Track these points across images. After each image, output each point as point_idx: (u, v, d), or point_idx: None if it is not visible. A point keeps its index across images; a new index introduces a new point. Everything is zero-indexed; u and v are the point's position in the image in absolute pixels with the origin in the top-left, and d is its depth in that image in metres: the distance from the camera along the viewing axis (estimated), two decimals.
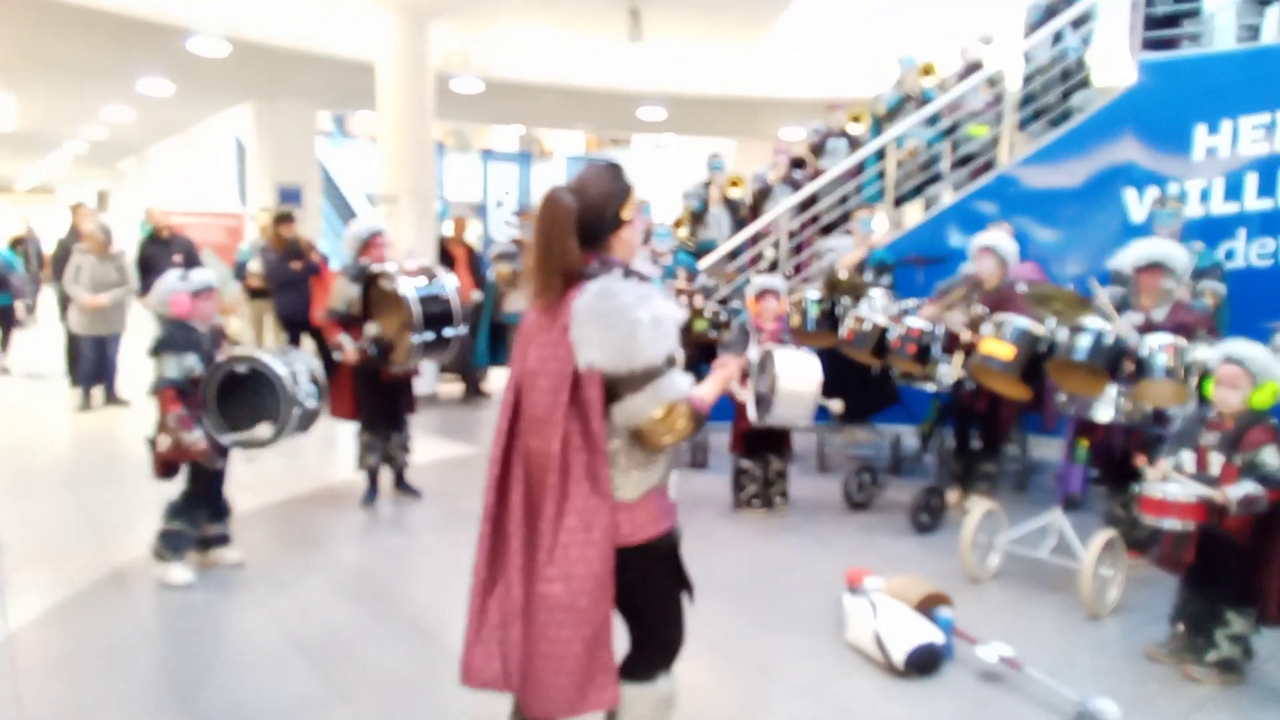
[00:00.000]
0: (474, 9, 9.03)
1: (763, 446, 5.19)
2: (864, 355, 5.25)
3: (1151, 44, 6.50)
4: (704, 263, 7.66)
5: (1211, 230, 5.83)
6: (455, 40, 9.58)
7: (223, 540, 4.24)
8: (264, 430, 3.84)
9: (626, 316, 1.92)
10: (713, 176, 8.69)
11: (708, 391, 2.15)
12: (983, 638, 3.30)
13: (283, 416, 3.78)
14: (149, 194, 16.85)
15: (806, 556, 4.51)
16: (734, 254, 7.97)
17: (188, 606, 3.77)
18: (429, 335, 4.64)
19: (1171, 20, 6.60)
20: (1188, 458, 3.17)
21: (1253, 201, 5.85)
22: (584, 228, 2.02)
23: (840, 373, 6.03)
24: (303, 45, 9.81)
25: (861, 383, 6.07)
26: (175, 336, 3.90)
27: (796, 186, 8.22)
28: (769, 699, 3.05)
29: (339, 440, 6.81)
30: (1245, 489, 2.92)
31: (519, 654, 2.09)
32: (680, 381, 2.02)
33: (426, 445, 6.32)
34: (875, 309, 5.29)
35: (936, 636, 3.26)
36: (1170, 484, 3.08)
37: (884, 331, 5.12)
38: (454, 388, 9.14)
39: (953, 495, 5.33)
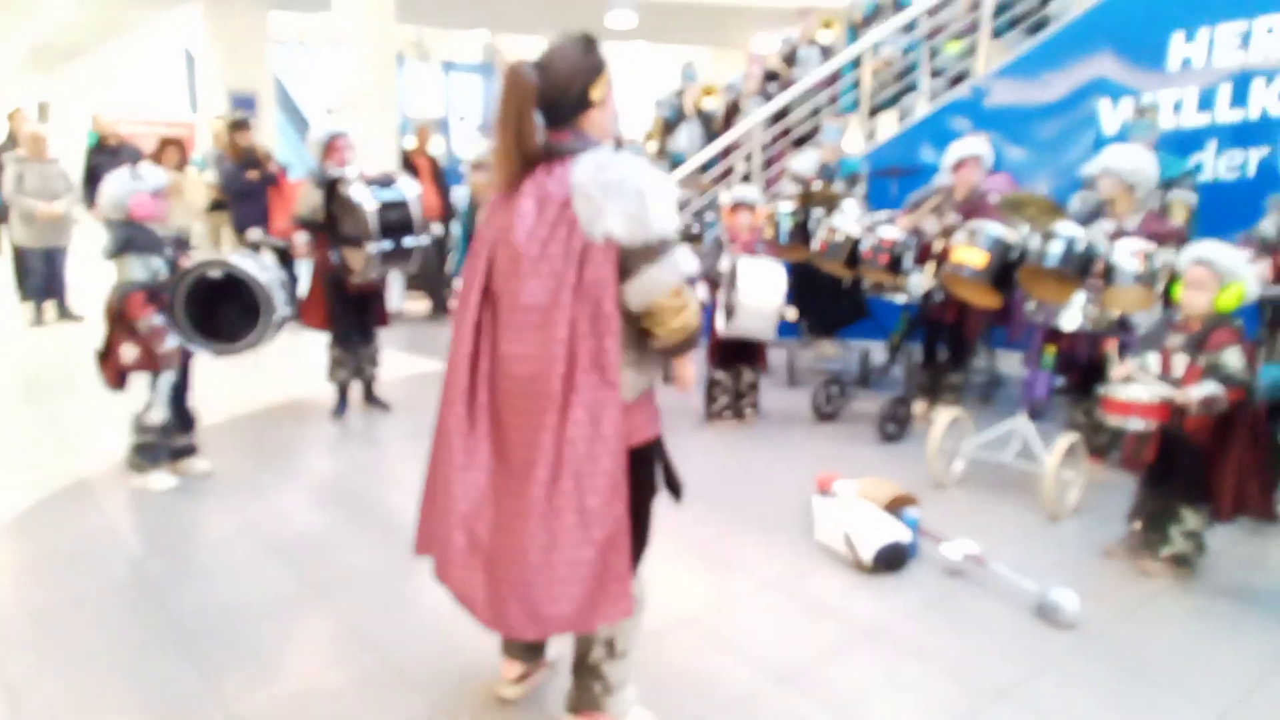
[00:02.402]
0: None
1: (736, 358, 5.21)
2: (836, 266, 5.23)
3: None
4: (676, 175, 7.54)
5: (1182, 142, 5.83)
6: None
7: (190, 451, 4.19)
8: (245, 338, 3.76)
9: (632, 184, 1.83)
10: (686, 86, 8.47)
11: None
12: (948, 537, 3.39)
13: (262, 323, 3.69)
14: (94, 104, 16.08)
15: (776, 464, 4.58)
16: (706, 166, 7.84)
17: (158, 513, 3.74)
18: (386, 244, 4.50)
19: None
20: (1153, 359, 3.23)
21: (1224, 113, 5.84)
22: (550, 105, 1.88)
23: (811, 288, 6.05)
24: None
25: (832, 297, 6.09)
26: (137, 237, 3.75)
27: (769, 99, 8.05)
28: (741, 593, 3.13)
29: (304, 352, 6.70)
30: (1207, 389, 2.98)
31: (507, 570, 1.92)
32: (687, 262, 1.92)
33: (394, 361, 6.24)
34: (848, 220, 5.26)
35: (904, 535, 3.35)
36: (1134, 385, 3.14)
37: (856, 242, 5.10)
38: (421, 305, 9.01)
39: (919, 406, 5.41)
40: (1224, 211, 5.23)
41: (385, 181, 4.55)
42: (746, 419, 5.28)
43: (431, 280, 8.53)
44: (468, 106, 19.14)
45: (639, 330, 1.96)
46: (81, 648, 2.68)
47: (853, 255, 5.12)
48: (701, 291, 5.10)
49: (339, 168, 4.73)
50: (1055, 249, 3.82)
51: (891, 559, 3.29)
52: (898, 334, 5.93)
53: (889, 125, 7.78)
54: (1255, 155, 5.75)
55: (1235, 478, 3.10)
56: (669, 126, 8.41)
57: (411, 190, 4.56)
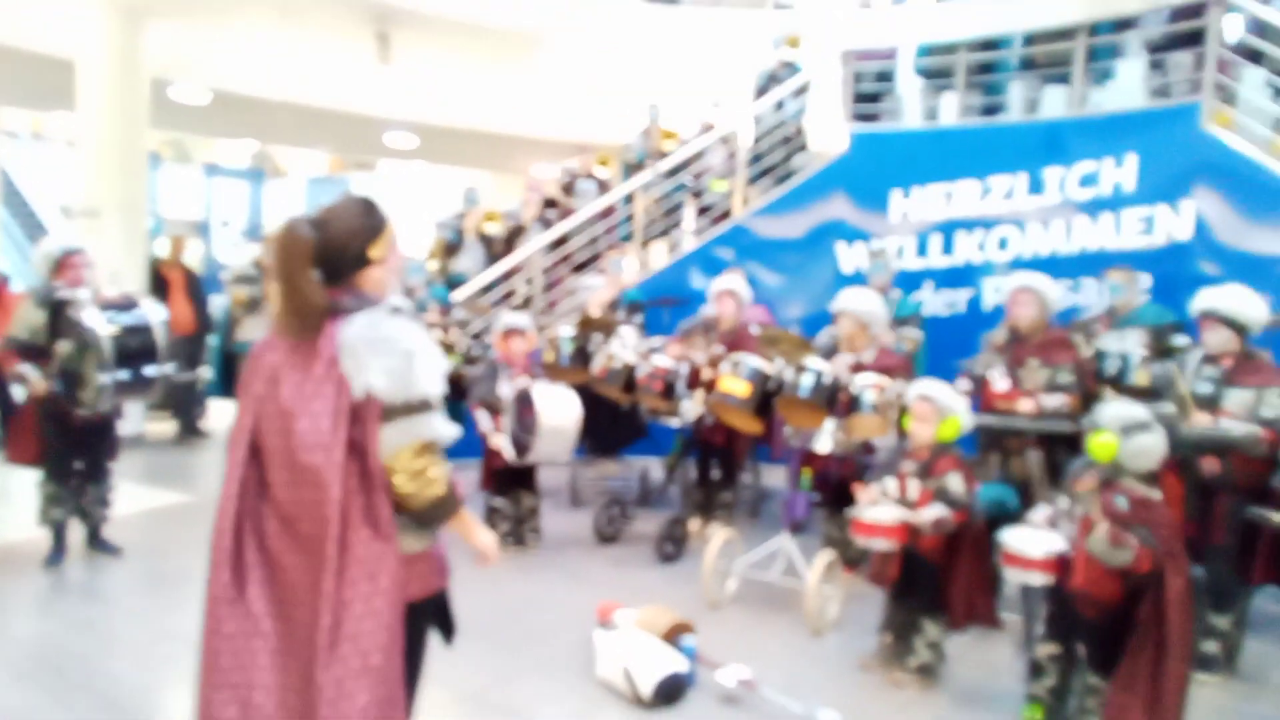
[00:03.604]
0: (198, 10, 8.24)
1: (515, 484, 5.15)
2: (615, 391, 5.40)
3: (858, 116, 7.40)
4: (456, 296, 7.53)
5: (905, 283, 6.70)
6: (176, 44, 8.69)
7: None
8: None
9: (399, 345, 1.87)
10: (468, 210, 8.60)
11: (473, 524, 2.04)
12: (723, 661, 3.47)
13: None
14: None
15: (559, 593, 4.51)
16: (487, 288, 7.91)
17: None
18: (123, 374, 4.08)
19: (874, 97, 7.56)
20: (891, 484, 3.58)
21: (937, 259, 6.81)
22: (326, 263, 1.91)
23: (592, 408, 6.18)
24: None
25: (612, 418, 6.25)
26: None
27: (549, 225, 8.35)
28: None
29: (11, 491, 5.78)
30: (936, 512, 3.34)
31: None
32: (444, 428, 1.93)
33: (130, 494, 5.53)
34: (626, 347, 5.47)
35: (681, 665, 3.39)
36: (877, 508, 3.45)
37: (633, 369, 5.31)
38: (166, 427, 8.15)
39: (695, 524, 5.59)
40: (944, 343, 6.02)
41: (126, 305, 4.15)
42: (528, 544, 5.19)
43: (180, 400, 7.77)
44: (232, 211, 18.16)
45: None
46: None
47: (630, 381, 5.32)
48: (484, 421, 5.03)
49: (71, 288, 4.26)
50: (806, 381, 4.19)
51: (670, 691, 3.30)
52: (673, 455, 6.17)
53: (660, 255, 8.31)
54: (964, 295, 6.73)
55: (965, 590, 3.46)
56: (450, 248, 8.44)
57: (156, 314, 4.19)
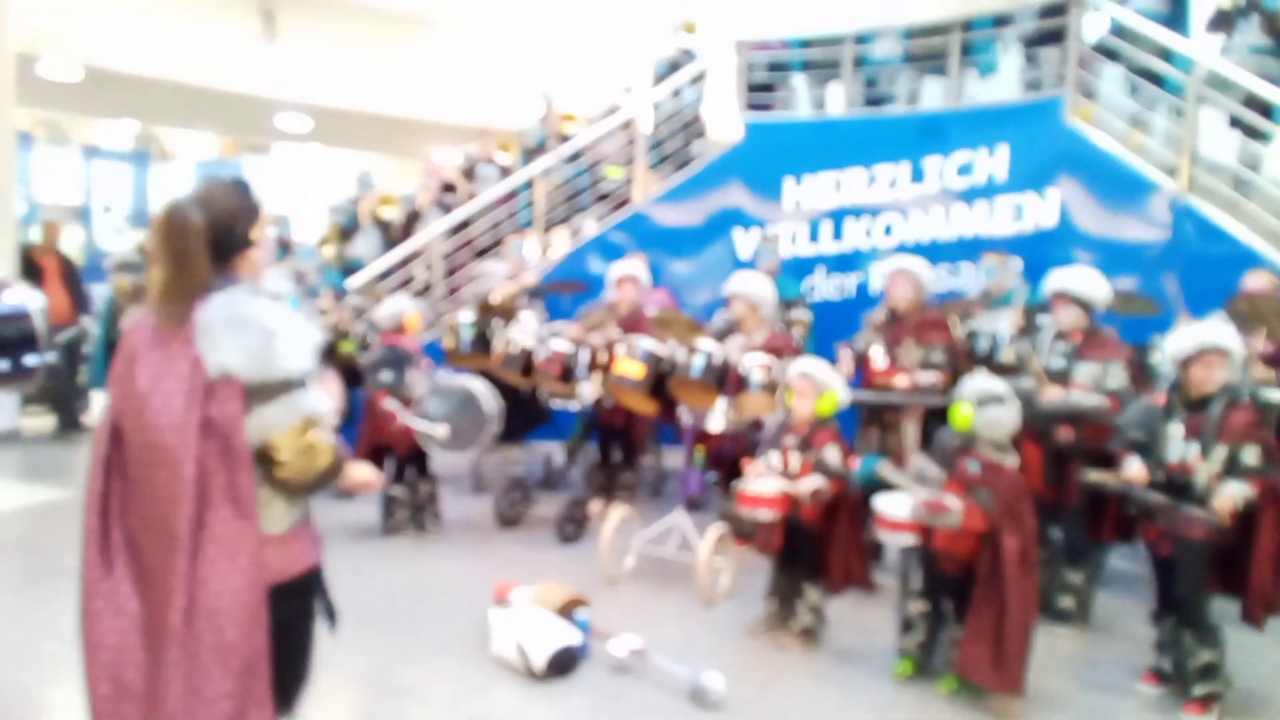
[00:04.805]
0: None
1: (409, 469, 5.12)
2: (513, 376, 5.43)
3: (753, 105, 7.58)
4: (352, 282, 7.39)
5: (797, 268, 6.94)
6: (44, 15, 8.20)
7: None
8: None
9: (260, 324, 1.86)
10: (363, 194, 8.42)
11: (358, 466, 2.11)
12: (616, 633, 3.58)
13: None
14: None
15: (457, 574, 4.54)
16: (385, 274, 7.79)
17: None
18: (1, 364, 3.88)
19: (767, 86, 7.76)
20: (775, 457, 3.75)
21: (828, 244, 7.08)
22: (212, 245, 1.90)
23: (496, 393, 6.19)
24: None
25: (515, 403, 6.28)
26: None
27: (447, 209, 8.27)
28: None
29: None
30: (814, 482, 3.52)
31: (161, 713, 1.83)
32: (321, 404, 1.95)
33: (5, 490, 5.28)
34: (525, 331, 5.50)
35: (574, 638, 3.48)
36: (760, 480, 3.61)
37: (531, 353, 5.35)
38: (43, 422, 7.74)
39: (595, 505, 5.69)
40: (834, 325, 6.26)
41: None
42: (429, 530, 5.19)
43: (59, 393, 7.40)
44: (114, 196, 17.19)
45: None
46: None
47: (528, 365, 5.36)
48: (397, 409, 4.95)
49: None
50: (698, 362, 4.33)
51: (563, 663, 3.39)
52: (574, 438, 6.24)
53: (562, 241, 8.34)
54: (853, 280, 7.01)
55: (842, 556, 3.67)
56: (345, 233, 8.26)
57: (33, 301, 3.98)
